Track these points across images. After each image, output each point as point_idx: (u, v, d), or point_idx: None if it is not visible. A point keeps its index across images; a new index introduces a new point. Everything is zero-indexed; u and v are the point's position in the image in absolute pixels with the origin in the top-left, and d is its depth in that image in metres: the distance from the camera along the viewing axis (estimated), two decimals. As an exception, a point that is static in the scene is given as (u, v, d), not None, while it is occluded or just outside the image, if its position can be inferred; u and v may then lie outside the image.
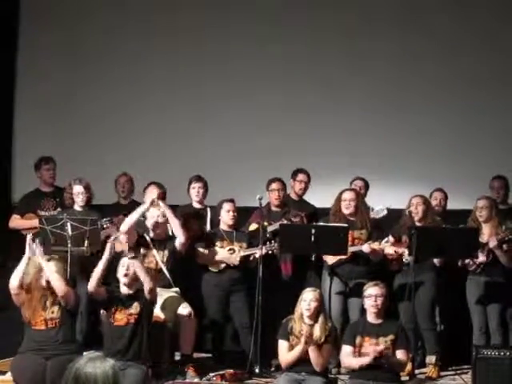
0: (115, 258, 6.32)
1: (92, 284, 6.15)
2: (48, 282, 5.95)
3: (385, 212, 7.38)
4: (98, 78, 9.00)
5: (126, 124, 8.92)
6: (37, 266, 6.01)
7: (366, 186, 7.83)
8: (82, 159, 8.55)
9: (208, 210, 7.51)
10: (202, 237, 7.34)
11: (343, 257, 6.98)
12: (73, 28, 8.99)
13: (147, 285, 6.12)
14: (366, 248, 6.96)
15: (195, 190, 7.49)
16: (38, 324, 5.91)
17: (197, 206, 7.55)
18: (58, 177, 7.94)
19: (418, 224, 7.10)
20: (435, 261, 7.04)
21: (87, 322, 7.09)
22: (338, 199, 7.18)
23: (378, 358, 5.87)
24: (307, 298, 6.06)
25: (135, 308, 6.14)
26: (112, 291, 6.25)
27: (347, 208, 7.12)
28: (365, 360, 5.90)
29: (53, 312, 5.93)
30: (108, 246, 6.25)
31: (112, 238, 6.40)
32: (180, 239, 6.92)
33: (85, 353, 5.99)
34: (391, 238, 7.13)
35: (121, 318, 6.15)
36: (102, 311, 6.48)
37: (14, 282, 5.96)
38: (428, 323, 7.10)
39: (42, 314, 5.91)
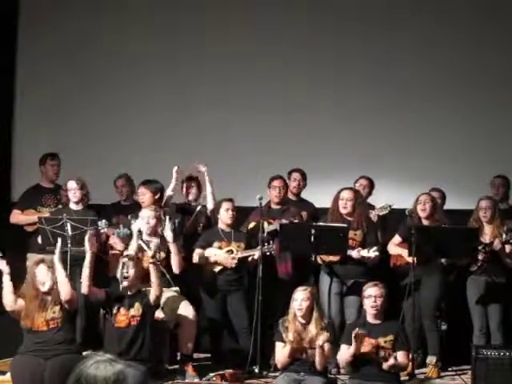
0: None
1: (84, 287, 6.16)
2: (45, 285, 5.91)
3: (388, 209, 7.39)
4: (98, 79, 8.99)
5: (125, 124, 8.92)
6: (31, 271, 5.97)
7: (371, 185, 7.82)
8: (82, 159, 8.54)
9: (198, 207, 7.55)
10: (195, 234, 7.38)
11: (334, 258, 7.00)
12: (72, 29, 8.99)
13: (155, 291, 6.12)
14: (355, 254, 6.94)
15: (188, 189, 7.65)
16: (40, 326, 5.87)
17: (189, 204, 7.68)
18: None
19: (424, 222, 7.11)
20: (442, 260, 7.04)
21: (86, 322, 7.09)
22: (336, 198, 7.16)
23: (360, 344, 5.83)
24: (298, 298, 6.02)
25: (137, 310, 6.13)
26: (112, 293, 6.24)
27: (344, 208, 7.07)
28: (350, 350, 5.85)
29: (54, 312, 5.89)
30: (86, 245, 6.23)
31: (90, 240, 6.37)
32: (175, 271, 6.88)
33: (85, 353, 6.06)
34: (396, 239, 7.14)
35: (122, 319, 6.13)
36: (101, 311, 6.48)
37: (7, 301, 5.89)
38: (432, 324, 7.11)
39: (42, 316, 5.87)
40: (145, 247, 6.71)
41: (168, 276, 6.84)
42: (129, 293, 6.20)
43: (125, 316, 6.13)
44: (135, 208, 7.47)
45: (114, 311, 6.15)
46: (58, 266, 5.94)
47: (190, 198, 7.69)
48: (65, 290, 5.86)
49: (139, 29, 8.98)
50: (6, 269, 5.95)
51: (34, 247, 7.45)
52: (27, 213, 7.72)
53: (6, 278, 5.92)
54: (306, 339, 5.95)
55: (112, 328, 6.16)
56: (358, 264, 7.00)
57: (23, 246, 7.62)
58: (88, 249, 6.22)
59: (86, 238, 6.29)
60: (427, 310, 7.08)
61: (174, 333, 6.90)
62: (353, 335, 5.81)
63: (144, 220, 6.92)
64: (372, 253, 6.88)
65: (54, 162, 7.91)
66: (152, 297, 6.14)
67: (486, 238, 7.05)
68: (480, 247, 6.89)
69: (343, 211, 7.08)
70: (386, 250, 7.27)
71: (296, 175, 7.79)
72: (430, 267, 7.02)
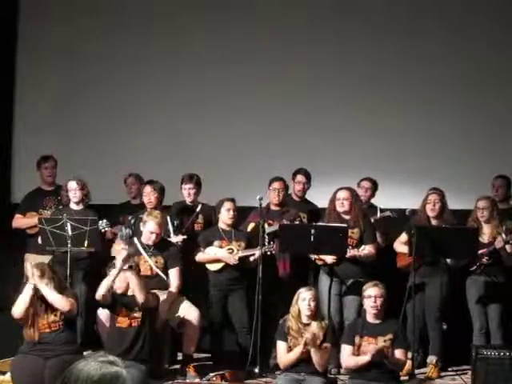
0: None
1: (100, 293, 6.12)
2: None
3: (389, 214, 7.40)
4: (98, 79, 8.98)
5: (125, 125, 8.90)
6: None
7: (375, 187, 7.82)
8: (83, 159, 8.54)
9: (199, 206, 7.49)
10: (194, 233, 7.37)
11: (330, 260, 7.00)
12: (72, 29, 8.98)
13: (139, 299, 6.08)
14: (347, 254, 6.94)
15: (186, 191, 7.54)
16: (42, 328, 5.87)
17: (189, 203, 7.62)
18: (58, 177, 7.94)
19: (433, 221, 7.11)
20: (448, 261, 7.04)
21: (85, 322, 7.09)
22: (333, 199, 7.16)
23: (377, 357, 5.85)
24: (306, 298, 6.04)
25: (137, 311, 6.13)
26: (114, 293, 6.23)
27: (341, 207, 7.09)
28: (363, 359, 5.89)
29: (55, 315, 5.88)
30: (120, 260, 6.18)
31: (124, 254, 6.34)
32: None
33: (85, 353, 6.06)
34: (403, 237, 7.11)
35: (123, 320, 6.14)
36: (99, 310, 6.48)
37: (18, 311, 5.83)
38: (436, 324, 7.13)
39: (44, 318, 5.87)
40: (143, 253, 6.79)
41: (166, 279, 6.83)
42: (129, 293, 6.20)
43: (126, 316, 6.13)
44: (144, 208, 7.44)
45: (117, 312, 6.15)
46: (45, 291, 5.81)
47: (190, 198, 7.64)
48: (61, 306, 5.82)
49: (139, 29, 8.96)
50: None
51: (32, 247, 7.46)
52: (29, 216, 7.72)
53: (29, 288, 5.84)
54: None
55: (113, 328, 6.17)
56: (358, 264, 7.01)
57: (24, 247, 7.62)
58: (119, 261, 6.16)
59: (123, 257, 6.19)
60: (432, 310, 7.09)
61: (176, 333, 6.91)
62: (374, 350, 5.82)
63: (147, 234, 6.88)
64: (364, 252, 6.91)
65: (47, 165, 7.91)
66: (139, 303, 6.11)
67: (485, 238, 7.06)
68: (482, 251, 6.91)
69: (340, 209, 7.09)
70: (386, 250, 7.27)
71: (300, 178, 7.75)
72: (435, 267, 7.03)
